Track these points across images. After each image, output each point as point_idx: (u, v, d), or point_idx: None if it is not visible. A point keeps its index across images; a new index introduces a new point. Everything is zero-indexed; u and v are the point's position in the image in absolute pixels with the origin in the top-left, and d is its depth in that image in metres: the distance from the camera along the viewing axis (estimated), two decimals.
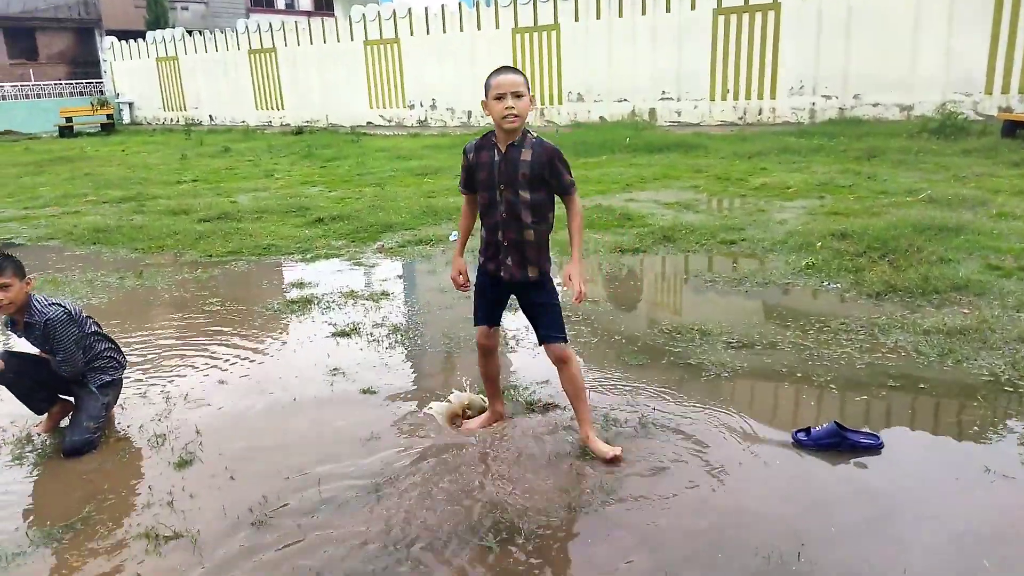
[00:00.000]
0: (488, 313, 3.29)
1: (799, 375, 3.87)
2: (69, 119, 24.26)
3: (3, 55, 33.88)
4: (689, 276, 5.87)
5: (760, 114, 15.43)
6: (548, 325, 3.17)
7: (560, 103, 18.21)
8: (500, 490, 2.95)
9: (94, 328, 3.69)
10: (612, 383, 3.90)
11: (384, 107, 21.54)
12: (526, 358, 4.32)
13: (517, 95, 2.90)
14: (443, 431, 3.45)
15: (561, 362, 3.18)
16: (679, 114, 16.44)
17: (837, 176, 9.56)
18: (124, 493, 3.10)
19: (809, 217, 7.40)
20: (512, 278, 3.13)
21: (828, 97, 14.62)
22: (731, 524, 2.68)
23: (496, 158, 3.02)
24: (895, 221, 6.62)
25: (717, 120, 15.93)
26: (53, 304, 3.48)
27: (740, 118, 15.67)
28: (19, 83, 28.86)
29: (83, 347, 3.55)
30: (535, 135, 3.03)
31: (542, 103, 18.46)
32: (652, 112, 16.79)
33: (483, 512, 2.81)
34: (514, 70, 2.98)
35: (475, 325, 3.32)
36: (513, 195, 3.01)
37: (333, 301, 5.53)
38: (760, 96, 15.35)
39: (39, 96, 28.25)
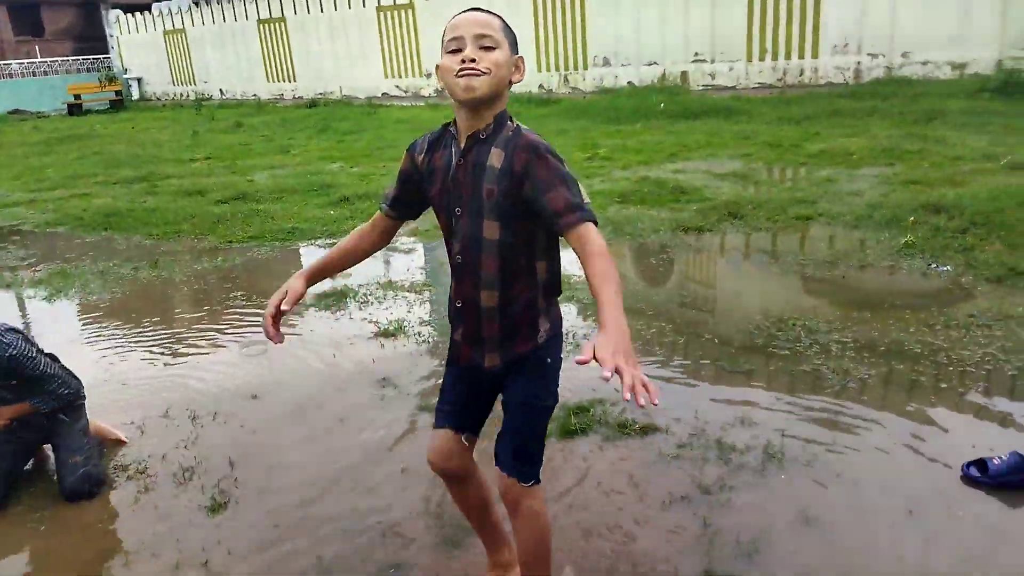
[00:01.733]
0: (457, 410, 1.94)
1: (943, 386, 3.23)
2: (78, 96, 23.66)
3: (8, 32, 33.19)
4: (770, 258, 5.21)
5: (801, 75, 14.55)
6: (508, 439, 1.85)
7: (585, 68, 17.36)
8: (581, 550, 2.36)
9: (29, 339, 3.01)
10: (718, 397, 3.28)
11: (400, 76, 20.73)
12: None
13: (485, 47, 1.67)
14: None
15: (512, 507, 1.86)
16: (713, 77, 15.57)
17: (901, 141, 8.79)
18: (147, 550, 2.53)
19: (887, 187, 6.69)
20: (470, 362, 1.89)
21: (874, 55, 13.71)
22: None
23: (452, 161, 1.79)
24: (992, 192, 5.90)
25: (755, 82, 15.06)
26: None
27: (779, 79, 14.79)
28: (26, 60, 28.21)
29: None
30: (516, 124, 1.74)
31: (565, 69, 17.62)
32: (684, 75, 15.92)
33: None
34: (483, 10, 1.73)
35: (434, 427, 1.97)
36: (472, 227, 1.76)
37: (371, 293, 4.93)
38: (801, 55, 14.45)
39: (47, 73, 27.61)
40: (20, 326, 3.05)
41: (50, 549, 2.59)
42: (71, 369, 3.09)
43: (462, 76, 1.66)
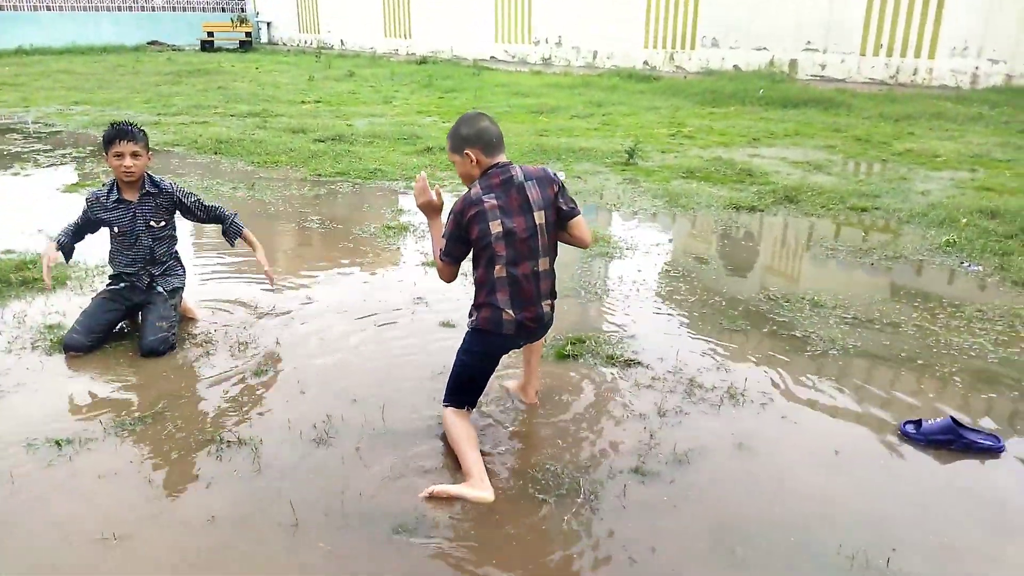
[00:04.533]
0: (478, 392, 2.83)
1: (919, 362, 3.45)
2: (211, 34, 25.26)
3: None
4: (808, 241, 5.39)
5: (915, 74, 14.03)
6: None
7: (692, 48, 17.23)
8: (563, 447, 2.78)
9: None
10: (705, 347, 3.61)
11: (509, 42, 21.13)
12: (612, 308, 4.08)
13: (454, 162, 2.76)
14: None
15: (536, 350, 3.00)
16: (823, 67, 15.20)
17: (994, 149, 8.55)
18: (198, 395, 3.15)
19: (956, 190, 6.64)
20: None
21: (995, 61, 13.05)
22: (815, 516, 2.40)
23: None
24: None
25: (865, 77, 14.62)
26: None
27: (892, 77, 14.31)
28: None
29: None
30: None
31: (672, 47, 17.55)
32: (793, 64, 15.61)
33: (545, 468, 2.66)
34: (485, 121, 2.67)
35: (467, 407, 2.77)
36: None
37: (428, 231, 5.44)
38: (917, 54, 13.91)
39: (184, 9, 29.50)
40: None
41: (122, 386, 3.23)
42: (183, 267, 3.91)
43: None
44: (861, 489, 2.54)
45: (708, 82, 14.57)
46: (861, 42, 14.57)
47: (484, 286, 2.65)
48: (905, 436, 2.80)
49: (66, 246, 3.66)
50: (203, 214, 3.78)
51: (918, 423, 2.81)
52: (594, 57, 19.17)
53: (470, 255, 2.71)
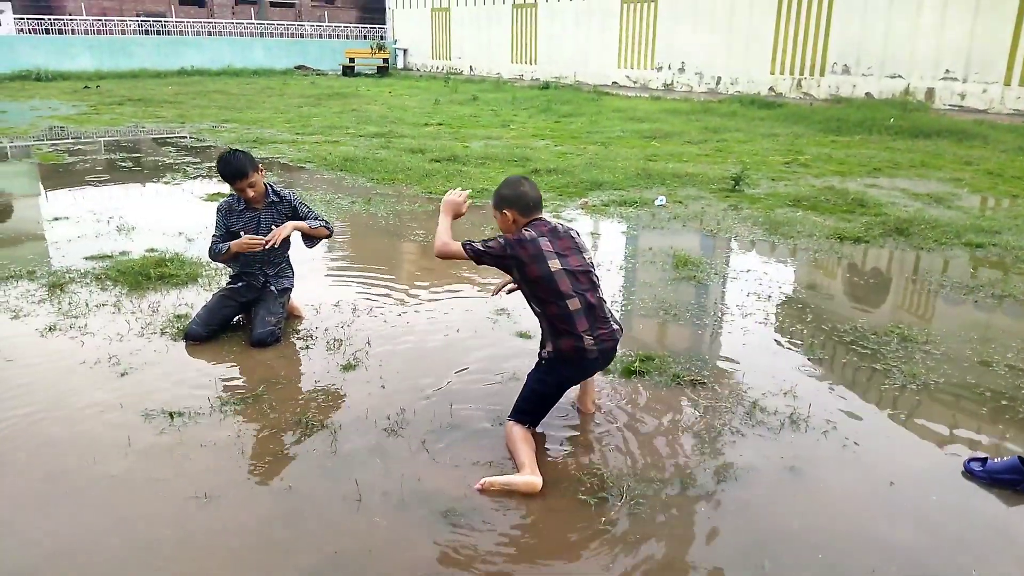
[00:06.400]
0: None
1: (1003, 402, 3.30)
2: (352, 60, 26.98)
3: None
4: (910, 275, 5.20)
5: None
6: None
7: (821, 74, 16.72)
8: (614, 455, 2.90)
9: None
10: (776, 373, 3.61)
11: (631, 68, 21.27)
12: (689, 331, 4.14)
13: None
14: None
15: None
16: (963, 97, 14.36)
17: None
18: (293, 383, 3.50)
19: None
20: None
21: None
22: (853, 542, 2.40)
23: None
24: None
25: (1009, 108, 13.69)
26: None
27: None
28: (316, 23, 32.54)
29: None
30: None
31: (800, 73, 17.09)
32: (930, 92, 14.84)
33: (593, 472, 2.79)
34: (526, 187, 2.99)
35: (529, 425, 2.93)
36: None
37: None
38: None
39: (330, 36, 31.66)
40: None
41: (231, 370, 3.64)
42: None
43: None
44: (907, 521, 2.51)
45: (835, 110, 14.10)
46: (1006, 71, 13.68)
47: (558, 320, 2.85)
48: (969, 473, 2.72)
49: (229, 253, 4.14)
50: (314, 222, 4.18)
51: (984, 460, 2.73)
52: (717, 83, 18.97)
53: (531, 293, 2.94)
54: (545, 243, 2.87)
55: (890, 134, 11.96)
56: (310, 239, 4.18)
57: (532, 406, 2.94)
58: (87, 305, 4.38)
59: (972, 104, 14.19)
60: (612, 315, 2.98)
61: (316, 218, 4.15)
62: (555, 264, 2.85)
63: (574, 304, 2.83)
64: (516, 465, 2.75)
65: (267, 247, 3.92)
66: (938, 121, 12.51)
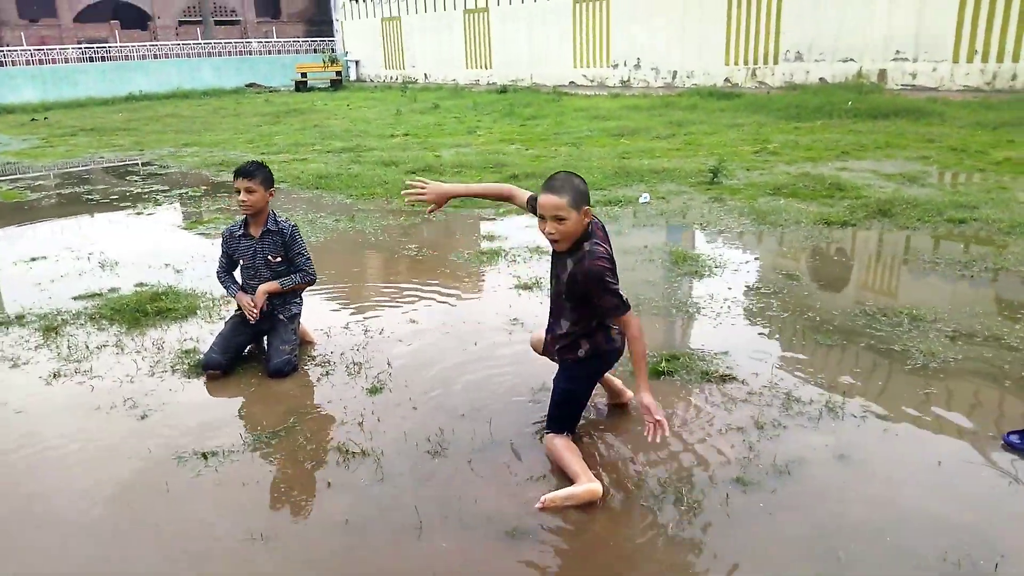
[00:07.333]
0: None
1: (1023, 374, 3.41)
2: (304, 74, 26.66)
3: (252, 14, 37.78)
4: (904, 255, 5.33)
5: (1014, 79, 13.45)
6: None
7: (775, 63, 17.05)
8: (665, 459, 2.91)
9: None
10: (800, 362, 3.66)
11: (587, 66, 21.43)
12: (705, 326, 4.18)
13: (558, 218, 2.66)
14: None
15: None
16: (914, 77, 14.78)
17: None
18: (323, 411, 3.44)
19: None
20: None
21: None
22: (918, 524, 2.44)
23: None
24: None
25: (959, 85, 14.13)
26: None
27: (988, 83, 13.77)
28: (264, 39, 32.11)
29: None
30: (589, 247, 2.73)
31: (754, 62, 17.40)
32: (882, 74, 15.23)
33: (645, 476, 2.79)
34: (557, 189, 2.66)
35: (567, 432, 2.93)
36: (554, 302, 3.01)
37: (519, 255, 5.67)
38: (1015, 58, 13.35)
39: (280, 52, 31.26)
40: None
41: (254, 404, 3.56)
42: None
43: (548, 238, 2.74)
44: (964, 499, 2.56)
45: (792, 96, 14.39)
46: (954, 48, 14.11)
47: (594, 319, 2.86)
48: (1008, 446, 2.79)
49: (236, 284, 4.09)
50: (299, 262, 4.04)
51: (1021, 432, 2.80)
52: (673, 77, 19.21)
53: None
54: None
55: (849, 117, 12.25)
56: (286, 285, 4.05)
57: (566, 410, 2.93)
58: (87, 347, 4.24)
59: (924, 83, 14.61)
60: None
61: (300, 268, 4.03)
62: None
63: None
64: (570, 476, 2.73)
65: (252, 321, 3.91)
66: (894, 101, 12.85)
